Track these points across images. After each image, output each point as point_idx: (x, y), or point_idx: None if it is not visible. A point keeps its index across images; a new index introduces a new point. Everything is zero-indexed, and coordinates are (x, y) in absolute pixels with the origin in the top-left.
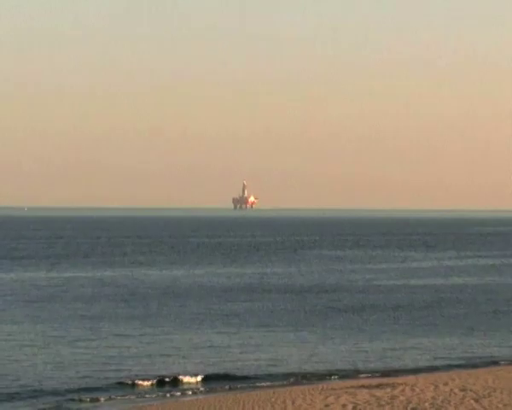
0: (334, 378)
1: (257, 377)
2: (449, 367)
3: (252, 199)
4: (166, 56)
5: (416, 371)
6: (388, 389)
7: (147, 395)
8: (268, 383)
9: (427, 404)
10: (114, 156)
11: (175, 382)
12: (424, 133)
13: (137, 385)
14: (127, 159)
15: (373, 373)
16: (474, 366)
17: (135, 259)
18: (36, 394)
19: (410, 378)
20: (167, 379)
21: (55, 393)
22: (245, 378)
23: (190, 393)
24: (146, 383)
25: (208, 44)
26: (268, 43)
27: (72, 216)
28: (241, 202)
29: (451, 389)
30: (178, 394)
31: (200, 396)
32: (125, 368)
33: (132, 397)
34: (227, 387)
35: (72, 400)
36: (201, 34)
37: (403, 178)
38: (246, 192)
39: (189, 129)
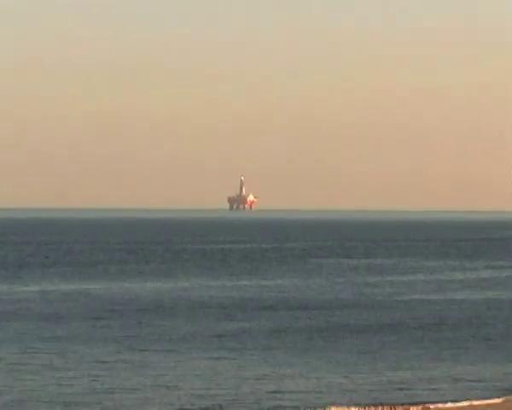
0: None
1: None
2: (483, 399)
3: (251, 198)
4: (155, 46)
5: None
6: None
7: None
8: None
9: None
10: (93, 151)
11: None
12: (423, 130)
13: None
14: (106, 153)
15: (394, 408)
16: None
17: (112, 268)
18: None
19: None
20: None
21: None
22: None
23: None
24: None
25: (207, 35)
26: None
27: (47, 218)
28: (238, 201)
29: None
30: None
31: None
32: (95, 402)
33: None
34: None
35: None
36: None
37: (414, 176)
38: (244, 190)
39: (176, 118)
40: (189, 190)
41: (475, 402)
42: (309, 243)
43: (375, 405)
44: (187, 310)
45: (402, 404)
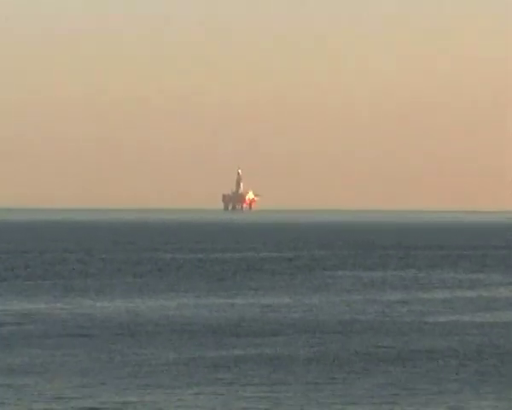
0: None
1: None
2: None
3: (250, 196)
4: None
5: None
6: None
7: None
8: None
9: None
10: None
11: None
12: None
13: None
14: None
15: None
16: None
17: (79, 283)
18: None
19: None
20: None
21: None
22: None
23: None
24: None
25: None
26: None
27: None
28: (234, 200)
29: None
30: None
31: None
32: None
33: None
34: None
35: None
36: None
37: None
38: (241, 186)
39: (157, 97)
40: (174, 186)
41: None
42: (320, 251)
43: None
44: (170, 335)
45: None
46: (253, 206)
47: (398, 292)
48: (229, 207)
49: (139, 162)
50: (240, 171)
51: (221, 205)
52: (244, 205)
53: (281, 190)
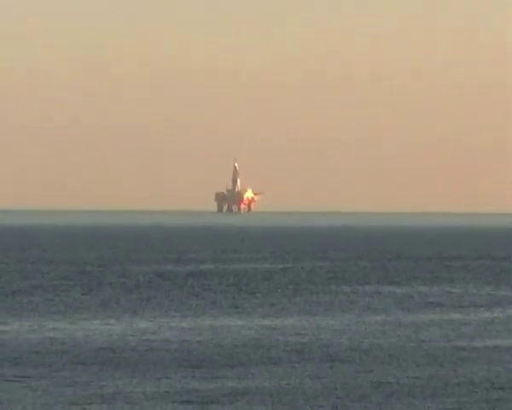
0: None
1: None
2: None
3: (249, 195)
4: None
5: None
6: None
7: None
8: None
9: None
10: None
11: None
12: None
13: None
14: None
15: None
16: None
17: (40, 301)
18: None
19: None
20: None
21: None
22: None
23: None
24: None
25: None
26: None
27: None
28: (230, 199)
29: None
30: None
31: None
32: None
33: None
34: None
35: None
36: None
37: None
38: (238, 183)
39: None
40: (155, 182)
41: None
42: (334, 261)
43: None
44: (150, 364)
45: None
46: (252, 207)
47: (427, 312)
48: (224, 209)
49: (113, 150)
50: (236, 164)
51: (214, 206)
52: (242, 205)
53: (286, 188)
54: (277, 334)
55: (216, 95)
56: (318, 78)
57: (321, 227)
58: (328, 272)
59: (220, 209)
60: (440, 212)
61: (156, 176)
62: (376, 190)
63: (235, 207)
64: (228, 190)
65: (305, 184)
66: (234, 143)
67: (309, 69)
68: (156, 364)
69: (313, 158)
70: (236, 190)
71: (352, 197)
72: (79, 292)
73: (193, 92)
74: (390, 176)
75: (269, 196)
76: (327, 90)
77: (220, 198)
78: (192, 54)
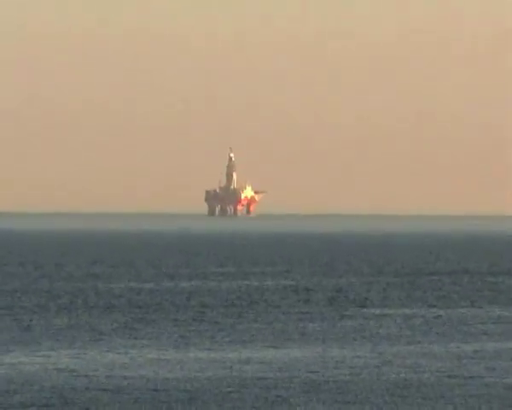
0: None
1: None
2: None
3: (248, 193)
4: None
5: None
6: None
7: None
8: None
9: None
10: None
11: None
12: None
13: None
14: None
15: None
16: None
17: None
18: None
19: None
20: None
21: None
22: None
23: None
24: None
25: None
26: None
27: None
28: (224, 198)
29: None
30: None
31: None
32: None
33: None
34: None
35: None
36: None
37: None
38: (234, 178)
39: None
40: (133, 180)
41: None
42: (350, 277)
43: None
44: (129, 406)
45: None
46: (252, 208)
47: (467, 340)
48: (217, 211)
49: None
50: (232, 155)
51: (204, 207)
52: (239, 207)
53: (294, 186)
54: (282, 369)
55: (209, 72)
56: (322, 60)
57: (334, 233)
58: (342, 290)
59: (212, 211)
60: (440, 216)
61: (131, 170)
62: (386, 191)
63: (230, 209)
64: (221, 188)
65: (317, 181)
66: (229, 128)
67: (312, 55)
68: (138, 406)
69: (327, 149)
70: (232, 187)
71: (369, 198)
72: (38, 315)
73: (182, 79)
74: (402, 176)
75: (273, 196)
76: (332, 76)
77: (211, 197)
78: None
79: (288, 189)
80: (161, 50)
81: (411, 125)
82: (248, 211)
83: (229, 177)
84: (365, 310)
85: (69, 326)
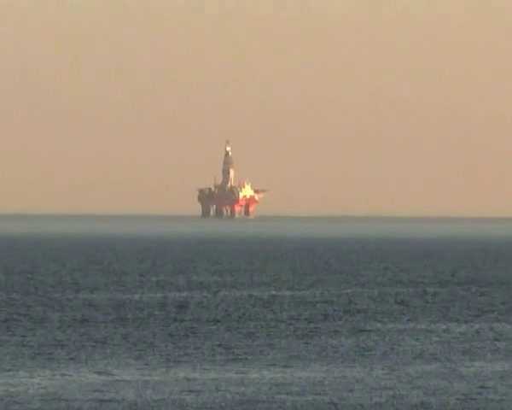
0: None
1: None
2: None
3: (247, 192)
4: None
5: None
6: None
7: None
8: None
9: None
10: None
11: None
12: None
13: None
14: None
15: None
16: None
17: None
18: None
19: None
20: None
21: None
22: None
23: None
24: None
25: None
26: None
27: None
28: (219, 198)
29: None
30: None
31: None
32: None
33: None
34: None
35: None
36: None
37: None
38: (232, 175)
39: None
40: (123, 182)
41: None
42: (364, 286)
43: None
44: None
45: None
46: (251, 209)
47: (495, 357)
48: (211, 212)
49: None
50: (229, 149)
51: (197, 208)
52: (236, 207)
53: (299, 184)
54: (285, 391)
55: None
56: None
57: (343, 237)
58: (356, 302)
59: (206, 213)
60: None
61: (114, 167)
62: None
63: (226, 210)
64: (216, 186)
65: (325, 178)
66: (225, 118)
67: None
68: None
69: (335, 141)
70: (229, 185)
71: (378, 198)
72: (8, 330)
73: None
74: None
75: (275, 195)
76: (336, 69)
77: (205, 197)
78: None
79: (292, 187)
80: (153, 41)
81: (420, 124)
82: (247, 212)
83: (225, 174)
84: (380, 324)
85: (42, 343)
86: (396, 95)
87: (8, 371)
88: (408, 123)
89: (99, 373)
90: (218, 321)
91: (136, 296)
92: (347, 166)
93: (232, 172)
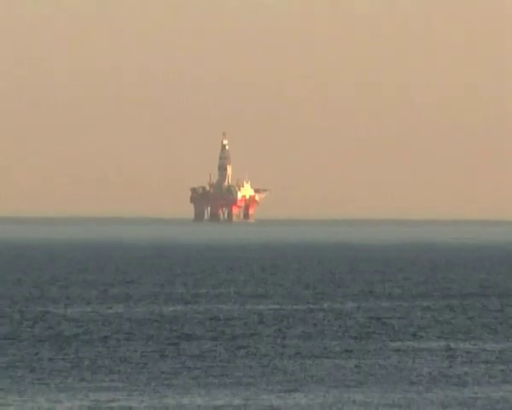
0: None
1: None
2: None
3: (246, 192)
4: None
5: None
6: None
7: None
8: None
9: None
10: None
11: None
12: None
13: None
14: None
15: None
16: None
17: None
18: None
19: None
20: None
21: None
22: None
23: None
24: None
25: None
26: None
27: None
28: (215, 199)
29: None
30: None
31: None
32: None
33: None
34: None
35: None
36: None
37: None
38: (229, 173)
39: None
40: (107, 181)
41: None
42: (378, 300)
43: None
44: None
45: None
46: (251, 211)
47: None
48: (205, 215)
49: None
50: (226, 142)
51: (189, 210)
52: (234, 209)
53: (303, 184)
54: None
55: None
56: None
57: (355, 243)
58: (370, 317)
59: (199, 216)
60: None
61: (97, 164)
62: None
63: (223, 213)
64: (212, 185)
65: (333, 177)
66: (222, 109)
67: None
68: None
69: (343, 133)
70: (226, 183)
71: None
72: None
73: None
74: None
75: (278, 195)
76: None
77: (199, 197)
78: None
79: (298, 186)
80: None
81: (431, 128)
82: (247, 215)
83: (221, 171)
84: (398, 343)
85: (10, 363)
86: (410, 96)
87: None
88: (417, 126)
89: (79, 399)
90: (213, 338)
91: (120, 310)
92: (363, 161)
93: (229, 169)
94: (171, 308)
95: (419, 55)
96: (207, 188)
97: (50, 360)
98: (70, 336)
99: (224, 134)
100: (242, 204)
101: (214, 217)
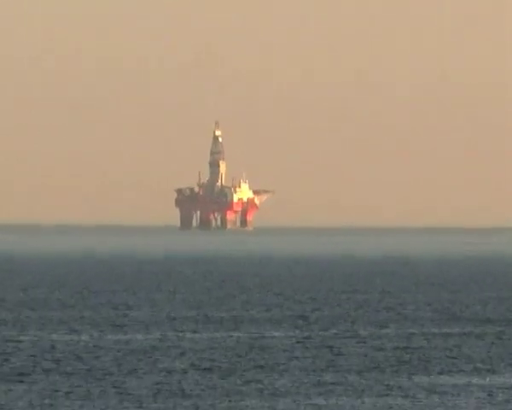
0: None
1: None
2: None
3: (244, 194)
4: None
5: None
6: None
7: None
8: None
9: None
10: None
11: None
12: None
13: None
14: None
15: None
16: None
17: None
18: None
19: None
20: None
21: None
22: None
23: None
24: None
25: None
26: None
27: None
28: (205, 202)
29: None
30: None
31: None
32: None
33: None
34: None
35: None
36: None
37: None
38: (223, 170)
39: None
40: (78, 180)
41: None
42: (397, 327)
43: None
44: None
45: None
46: (250, 217)
47: None
48: (194, 221)
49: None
50: (219, 133)
51: (174, 215)
52: (229, 215)
53: (310, 185)
54: None
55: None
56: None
57: (372, 256)
58: (387, 347)
59: (186, 222)
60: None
61: (69, 160)
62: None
63: (215, 219)
64: (202, 185)
65: (343, 177)
66: (214, 96)
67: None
68: None
69: (352, 126)
70: (219, 183)
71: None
72: None
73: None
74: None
75: (281, 198)
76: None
77: (186, 200)
78: None
79: (303, 188)
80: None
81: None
82: (244, 222)
83: (213, 168)
84: (426, 378)
85: None
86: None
87: None
88: (426, 131)
89: None
90: (203, 370)
91: (92, 336)
92: (366, 164)
93: (223, 166)
94: (153, 335)
95: (419, 55)
96: (196, 189)
97: (11, 394)
98: (34, 366)
99: (216, 124)
100: (239, 209)
101: (205, 224)
